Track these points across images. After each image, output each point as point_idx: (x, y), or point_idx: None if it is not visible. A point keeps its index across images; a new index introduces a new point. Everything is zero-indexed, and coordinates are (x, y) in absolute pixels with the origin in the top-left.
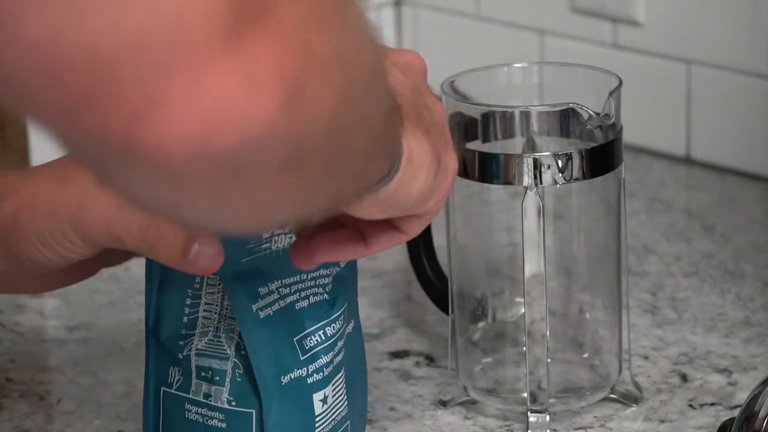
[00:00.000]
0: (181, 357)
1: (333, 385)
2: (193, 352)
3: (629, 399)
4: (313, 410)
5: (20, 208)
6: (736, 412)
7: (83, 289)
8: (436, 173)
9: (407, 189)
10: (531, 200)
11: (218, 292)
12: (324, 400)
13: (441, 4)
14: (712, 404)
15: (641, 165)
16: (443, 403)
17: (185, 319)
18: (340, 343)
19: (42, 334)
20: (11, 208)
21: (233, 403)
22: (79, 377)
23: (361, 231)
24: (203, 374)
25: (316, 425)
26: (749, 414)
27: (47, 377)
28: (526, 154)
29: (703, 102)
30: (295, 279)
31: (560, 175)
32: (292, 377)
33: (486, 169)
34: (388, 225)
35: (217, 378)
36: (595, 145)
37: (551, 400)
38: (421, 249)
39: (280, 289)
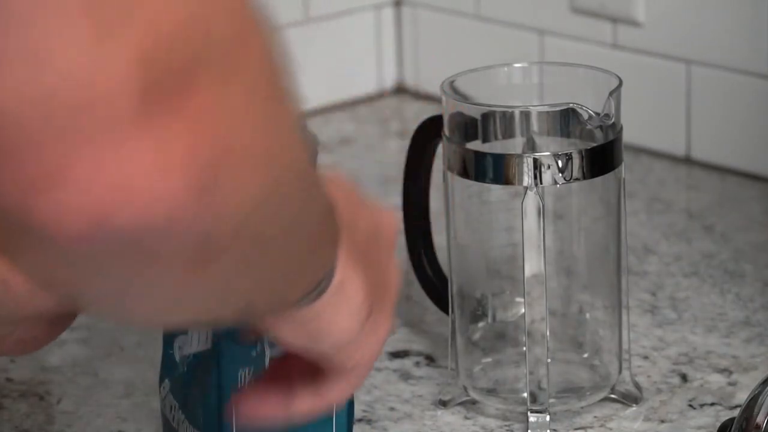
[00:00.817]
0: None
1: None
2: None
3: (629, 399)
4: None
5: None
6: (736, 412)
7: None
8: (364, 323)
9: (331, 319)
10: (531, 200)
11: None
12: None
13: (441, 4)
14: (712, 404)
15: (641, 165)
16: (443, 403)
17: None
18: None
19: None
20: None
21: None
22: (79, 377)
23: (286, 389)
24: None
25: None
26: (749, 414)
27: (47, 377)
28: (526, 154)
29: (703, 102)
30: None
31: (560, 175)
32: None
33: (486, 169)
34: (314, 388)
35: None
36: (595, 145)
37: (551, 400)
38: (421, 249)
39: None
